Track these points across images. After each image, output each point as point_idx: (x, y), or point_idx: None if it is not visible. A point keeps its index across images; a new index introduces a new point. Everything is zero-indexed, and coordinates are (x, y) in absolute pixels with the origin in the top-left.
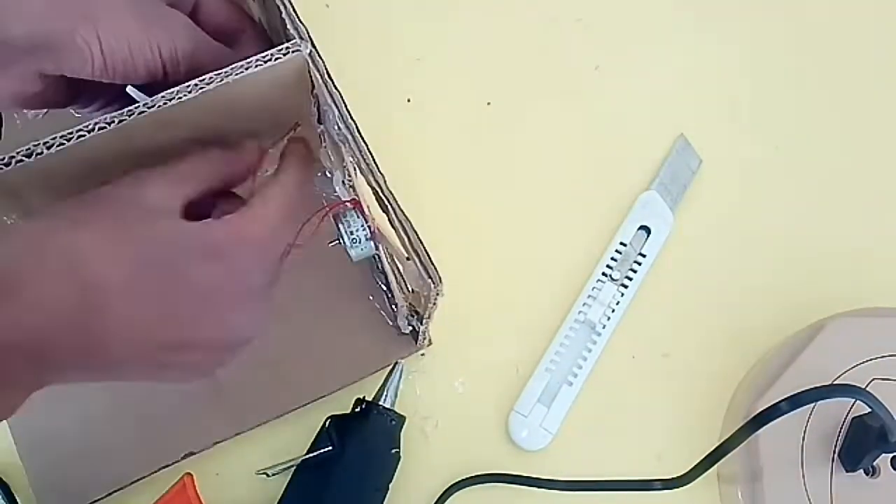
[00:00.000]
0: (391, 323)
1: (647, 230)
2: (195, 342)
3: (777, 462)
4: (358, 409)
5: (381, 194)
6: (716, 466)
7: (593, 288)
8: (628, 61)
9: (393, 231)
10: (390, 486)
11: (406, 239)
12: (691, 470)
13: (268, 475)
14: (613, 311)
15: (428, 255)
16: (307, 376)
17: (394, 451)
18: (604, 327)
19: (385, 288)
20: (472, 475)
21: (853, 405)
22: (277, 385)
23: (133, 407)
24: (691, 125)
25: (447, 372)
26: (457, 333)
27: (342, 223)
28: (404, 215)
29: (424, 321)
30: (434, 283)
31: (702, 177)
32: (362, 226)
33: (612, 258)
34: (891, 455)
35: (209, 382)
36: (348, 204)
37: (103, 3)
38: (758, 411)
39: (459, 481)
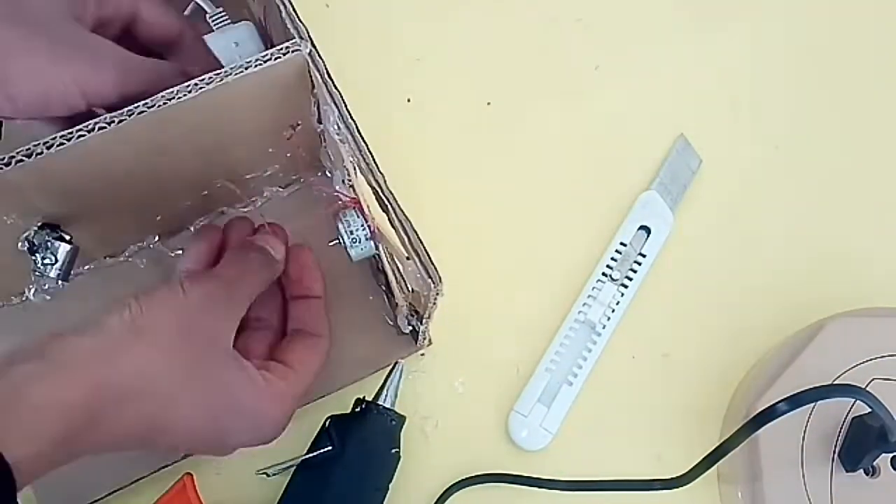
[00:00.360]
0: (391, 323)
1: (647, 230)
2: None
3: (777, 462)
4: (358, 409)
5: (380, 194)
6: (716, 466)
7: (593, 288)
8: (628, 61)
9: (393, 231)
10: (390, 486)
11: (406, 239)
12: (691, 470)
13: (268, 475)
14: (613, 311)
15: (428, 255)
16: None
17: (394, 450)
18: (604, 327)
19: (385, 288)
20: (472, 475)
21: (853, 405)
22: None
23: None
24: (691, 125)
25: (447, 372)
26: (457, 333)
27: (342, 223)
28: (404, 215)
29: (424, 321)
30: (434, 282)
31: (702, 177)
32: (362, 225)
33: (612, 258)
34: (891, 455)
35: None
36: (348, 203)
37: (18, 47)
38: (758, 411)
39: (459, 481)
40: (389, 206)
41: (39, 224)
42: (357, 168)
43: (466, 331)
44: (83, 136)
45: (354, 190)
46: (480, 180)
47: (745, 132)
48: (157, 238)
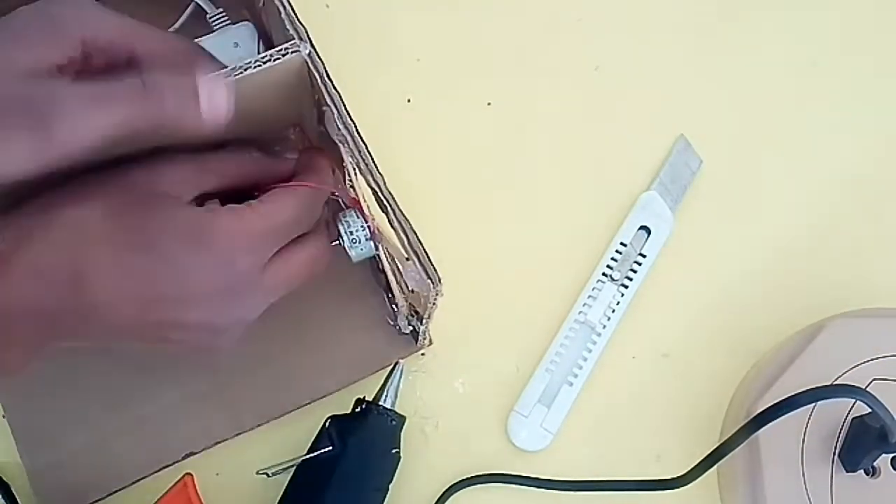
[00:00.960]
0: (391, 323)
1: (647, 230)
2: (182, 323)
3: (777, 462)
4: (358, 409)
5: (380, 195)
6: (716, 466)
7: (593, 288)
8: (628, 61)
9: (392, 231)
10: (390, 486)
11: (405, 239)
12: (691, 470)
13: (268, 475)
14: (613, 311)
15: (427, 256)
16: (307, 376)
17: (394, 451)
18: (604, 327)
19: (385, 288)
20: (472, 475)
21: (853, 405)
22: (278, 385)
23: (133, 407)
24: (691, 125)
25: (447, 372)
26: (457, 333)
27: (342, 223)
28: (403, 216)
29: (424, 321)
30: (434, 283)
31: (702, 177)
32: (362, 226)
33: (612, 258)
34: (891, 455)
35: (209, 382)
36: (348, 204)
37: None
38: (758, 411)
39: (459, 481)
40: (389, 207)
41: None
42: (356, 169)
43: (466, 331)
44: None
45: (354, 190)
46: (480, 181)
47: (745, 132)
48: None
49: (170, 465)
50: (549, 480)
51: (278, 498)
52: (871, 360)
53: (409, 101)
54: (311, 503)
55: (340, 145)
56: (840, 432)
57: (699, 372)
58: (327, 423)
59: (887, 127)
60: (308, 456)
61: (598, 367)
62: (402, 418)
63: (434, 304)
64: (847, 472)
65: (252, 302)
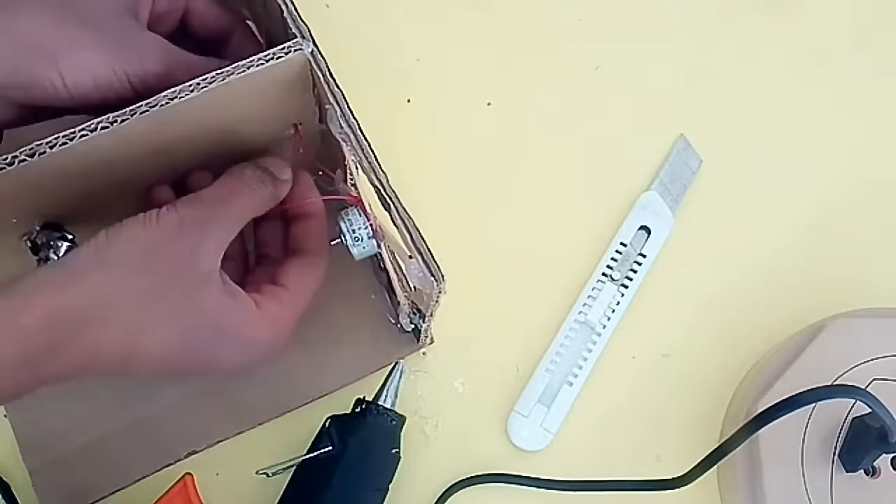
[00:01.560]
0: (393, 321)
1: (647, 230)
2: (216, 371)
3: (777, 462)
4: (358, 409)
5: (383, 193)
6: (716, 466)
7: (593, 288)
8: (628, 61)
9: (395, 230)
10: (390, 486)
11: (408, 237)
12: (691, 470)
13: (268, 475)
14: (613, 311)
15: (430, 253)
16: (309, 375)
17: (394, 451)
18: (604, 327)
19: (387, 287)
20: (472, 475)
21: (853, 405)
22: (279, 384)
23: (134, 407)
24: (691, 125)
25: (447, 372)
26: (457, 333)
27: (344, 221)
28: (406, 213)
29: (427, 319)
30: (437, 280)
31: (702, 177)
32: (364, 224)
33: (612, 258)
34: (891, 455)
35: (209, 382)
36: (350, 202)
37: (68, 40)
38: (758, 411)
39: (459, 481)
40: (391, 205)
41: (41, 224)
42: (359, 167)
43: (466, 331)
44: (85, 135)
45: (356, 189)
46: (480, 181)
47: (745, 132)
48: None
49: (171, 463)
50: (549, 480)
51: (278, 498)
52: (871, 360)
53: (409, 101)
54: (311, 503)
55: (343, 143)
56: (840, 432)
57: (699, 372)
58: (327, 423)
59: (888, 127)
60: (308, 456)
61: (598, 367)
62: (402, 418)
63: (437, 301)
64: (847, 472)
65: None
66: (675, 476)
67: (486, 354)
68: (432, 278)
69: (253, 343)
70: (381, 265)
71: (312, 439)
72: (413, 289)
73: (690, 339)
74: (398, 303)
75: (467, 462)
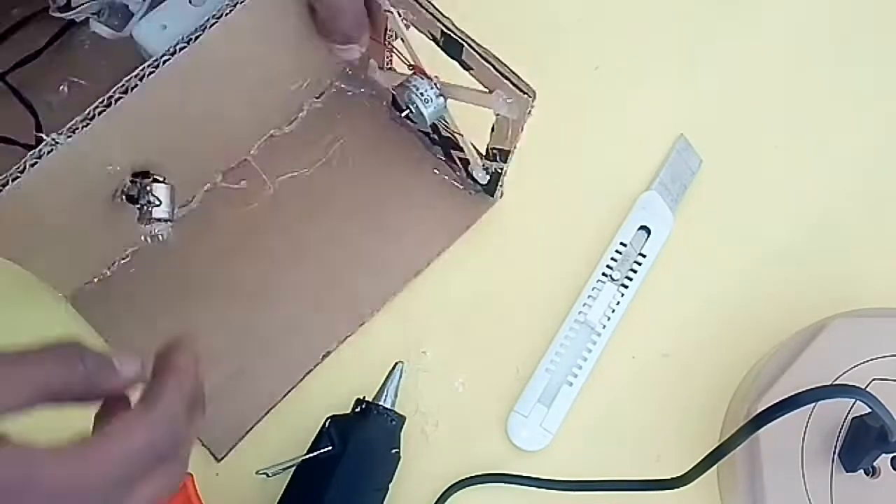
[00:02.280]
0: (462, 186)
1: (647, 230)
2: None
3: (777, 462)
4: (358, 410)
5: (453, 34)
6: (716, 466)
7: (593, 288)
8: (628, 61)
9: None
10: (390, 486)
11: (491, 67)
12: (691, 470)
13: (268, 475)
14: (613, 311)
15: (515, 73)
16: (401, 259)
17: (394, 451)
18: (604, 327)
19: (446, 156)
20: (472, 475)
21: (853, 405)
22: (379, 274)
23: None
24: (691, 125)
25: (447, 372)
26: (457, 333)
27: (409, 89)
28: (482, 47)
29: (510, 156)
30: (531, 95)
31: (702, 177)
32: (429, 85)
33: (612, 258)
34: (891, 455)
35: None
36: (413, 70)
37: None
38: (758, 411)
39: (459, 481)
40: (465, 43)
41: (131, 177)
42: (414, 26)
43: (466, 331)
44: (153, 72)
45: (393, 70)
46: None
47: (745, 132)
48: (220, 176)
49: (312, 369)
50: (549, 480)
51: (278, 498)
52: (871, 360)
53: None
54: (311, 503)
55: (392, 12)
56: (840, 432)
57: (699, 372)
58: (327, 423)
59: (888, 127)
60: (308, 456)
61: (597, 367)
62: (402, 418)
63: (527, 118)
64: (847, 471)
65: None
66: (674, 476)
67: (486, 354)
68: (525, 95)
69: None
70: (436, 137)
71: (312, 439)
72: (492, 130)
73: (690, 339)
74: (467, 162)
75: (467, 462)
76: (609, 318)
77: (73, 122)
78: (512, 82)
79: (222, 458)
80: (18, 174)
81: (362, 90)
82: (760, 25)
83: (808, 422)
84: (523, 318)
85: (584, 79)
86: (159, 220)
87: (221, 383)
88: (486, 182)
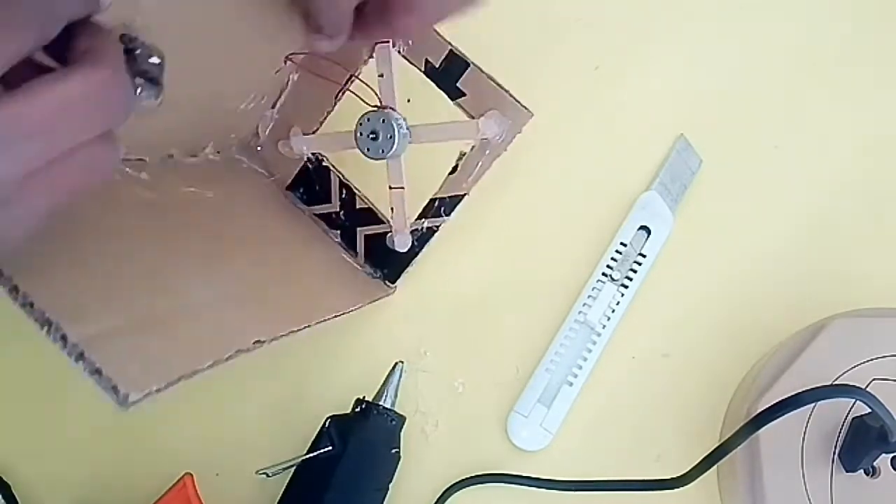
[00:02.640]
0: (360, 268)
1: (647, 230)
2: None
3: (777, 462)
4: (358, 410)
5: (460, 54)
6: (716, 466)
7: (593, 288)
8: (628, 61)
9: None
10: (390, 486)
11: (494, 83)
12: (691, 470)
13: (268, 475)
14: (613, 311)
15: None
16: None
17: (394, 451)
18: (604, 327)
19: (342, 241)
20: (472, 475)
21: (853, 405)
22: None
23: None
24: (691, 125)
25: (447, 372)
26: (457, 333)
27: (384, 119)
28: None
29: (464, 197)
30: (528, 111)
31: (702, 177)
32: (402, 119)
33: (612, 258)
34: (891, 455)
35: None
36: (380, 105)
37: None
38: (758, 411)
39: (459, 481)
40: (471, 62)
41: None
42: (406, 58)
43: (466, 331)
44: None
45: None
46: (479, 181)
47: (745, 132)
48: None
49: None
50: (548, 480)
51: (278, 498)
52: (871, 360)
53: (408, 101)
54: (310, 503)
55: (388, 41)
56: (840, 432)
57: (699, 372)
58: (327, 423)
59: (887, 126)
60: (308, 456)
61: (597, 367)
62: (402, 418)
63: (516, 138)
64: (847, 471)
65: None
66: (674, 476)
67: (486, 354)
68: (525, 109)
69: None
70: (342, 217)
71: (312, 439)
72: (452, 171)
73: (690, 339)
74: (378, 237)
75: (467, 462)
76: (609, 318)
77: None
78: (513, 97)
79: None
80: None
81: (255, 166)
82: (760, 25)
83: (808, 422)
84: (523, 318)
85: (584, 79)
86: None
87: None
88: (405, 250)
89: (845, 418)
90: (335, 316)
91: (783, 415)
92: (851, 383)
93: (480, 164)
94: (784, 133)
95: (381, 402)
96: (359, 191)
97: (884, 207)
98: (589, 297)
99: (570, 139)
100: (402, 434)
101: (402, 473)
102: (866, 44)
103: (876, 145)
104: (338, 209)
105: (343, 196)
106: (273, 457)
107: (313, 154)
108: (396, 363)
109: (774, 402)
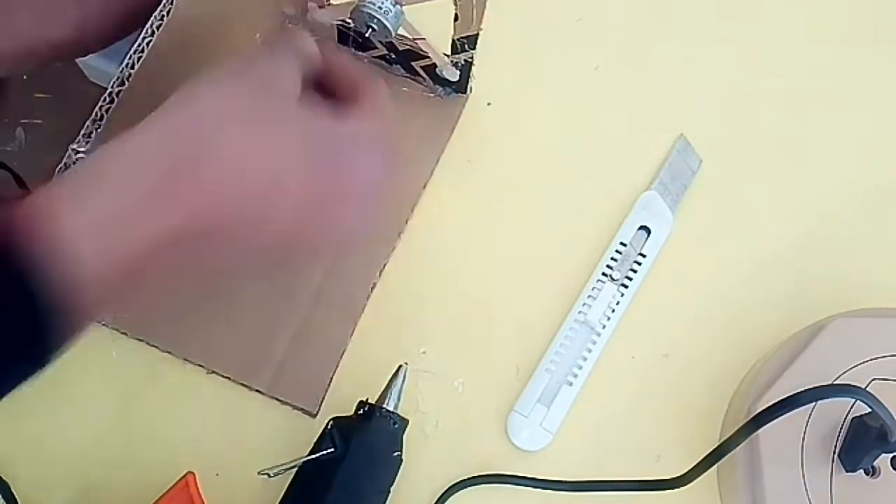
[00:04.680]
0: (433, 95)
1: (647, 230)
2: (339, 223)
3: (777, 462)
4: (361, 412)
5: None
6: (716, 466)
7: (593, 288)
8: (628, 61)
9: None
10: (391, 489)
11: None
12: (691, 470)
13: (269, 476)
14: (613, 311)
15: None
16: (400, 180)
17: (396, 453)
18: (604, 327)
19: (407, 73)
20: (473, 475)
21: (853, 405)
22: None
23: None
24: (691, 125)
25: (447, 372)
26: (457, 333)
27: (367, 8)
28: None
29: (478, 34)
30: None
31: (702, 177)
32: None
33: (612, 258)
34: (891, 455)
35: None
36: None
37: None
38: (758, 411)
39: (460, 482)
40: None
41: None
42: None
43: (466, 331)
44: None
45: None
46: (479, 181)
47: (745, 132)
48: None
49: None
50: (549, 481)
51: (279, 499)
52: (871, 360)
53: None
54: None
55: None
56: (840, 432)
57: (699, 372)
58: (330, 425)
59: (888, 127)
60: (310, 457)
61: (598, 367)
62: (405, 421)
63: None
64: (847, 471)
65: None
66: (674, 476)
67: (486, 354)
68: None
69: (374, 151)
70: (393, 56)
71: (315, 441)
72: (455, 19)
73: (690, 339)
74: (429, 70)
75: (467, 462)
76: (609, 318)
77: (84, 127)
78: None
79: (317, 414)
80: None
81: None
82: (760, 25)
83: (808, 422)
84: (523, 318)
85: (584, 79)
86: None
87: (287, 348)
88: (457, 78)
89: (845, 418)
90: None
91: (783, 414)
92: (851, 383)
93: (475, 9)
94: (784, 133)
95: (384, 405)
96: (397, 38)
97: (884, 208)
98: (589, 297)
99: (570, 139)
100: (404, 437)
101: (402, 474)
102: (866, 44)
103: (876, 145)
104: (386, 52)
105: (384, 43)
106: (275, 458)
107: (339, 19)
108: (400, 366)
109: (774, 401)
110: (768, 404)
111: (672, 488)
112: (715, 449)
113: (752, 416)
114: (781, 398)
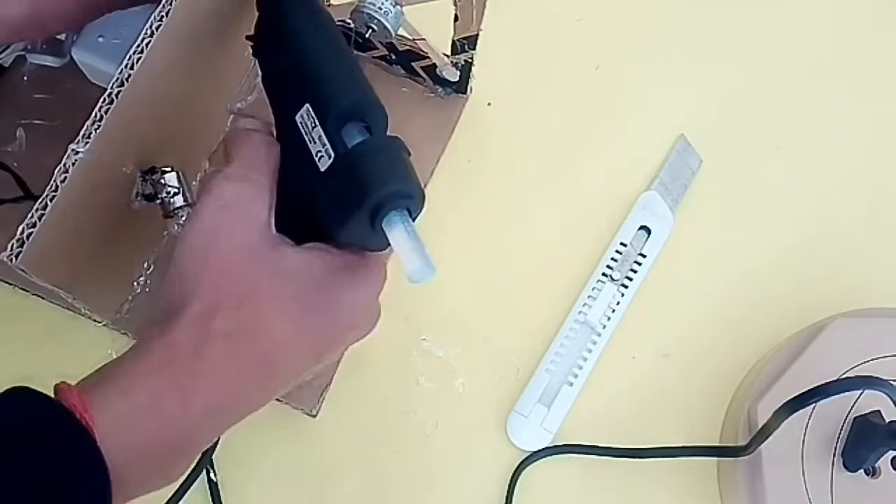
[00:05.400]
0: (433, 94)
1: (648, 230)
2: (343, 345)
3: (777, 462)
4: None
5: None
6: (716, 466)
7: (593, 288)
8: (628, 61)
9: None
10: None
11: None
12: (752, 439)
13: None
14: (613, 311)
15: None
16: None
17: None
18: (604, 327)
19: (407, 73)
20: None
21: (854, 405)
22: None
23: None
24: (691, 125)
25: (447, 372)
26: (457, 333)
27: (366, 10)
28: None
29: (478, 34)
30: None
31: (702, 177)
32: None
33: (613, 258)
34: (891, 455)
35: None
36: None
37: None
38: (758, 411)
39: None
40: None
41: (141, 175)
42: None
43: (466, 331)
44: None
45: None
46: (480, 181)
47: (745, 132)
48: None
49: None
50: (606, 448)
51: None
52: (871, 360)
53: None
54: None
55: None
56: (840, 432)
57: (699, 372)
58: None
59: (888, 127)
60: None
61: (598, 367)
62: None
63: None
64: (848, 471)
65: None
66: (739, 444)
67: (486, 354)
68: None
69: (360, 285)
70: (393, 56)
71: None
72: (455, 20)
73: (690, 339)
74: (429, 71)
75: (467, 462)
76: (609, 318)
77: (84, 127)
78: None
79: (317, 413)
80: (53, 193)
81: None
82: (760, 26)
83: (808, 422)
84: (523, 318)
85: (584, 79)
86: (181, 207)
87: None
88: (457, 78)
89: (846, 418)
90: None
91: (823, 399)
92: (874, 375)
93: (475, 9)
94: (785, 133)
95: None
96: (397, 38)
97: (884, 208)
98: (589, 297)
99: (570, 139)
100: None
101: (402, 473)
102: (866, 44)
103: (876, 145)
104: (386, 52)
105: (384, 43)
106: (275, 459)
107: (339, 20)
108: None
109: (791, 396)
110: (769, 405)
111: (736, 455)
112: (768, 421)
113: (752, 416)
114: (812, 386)
